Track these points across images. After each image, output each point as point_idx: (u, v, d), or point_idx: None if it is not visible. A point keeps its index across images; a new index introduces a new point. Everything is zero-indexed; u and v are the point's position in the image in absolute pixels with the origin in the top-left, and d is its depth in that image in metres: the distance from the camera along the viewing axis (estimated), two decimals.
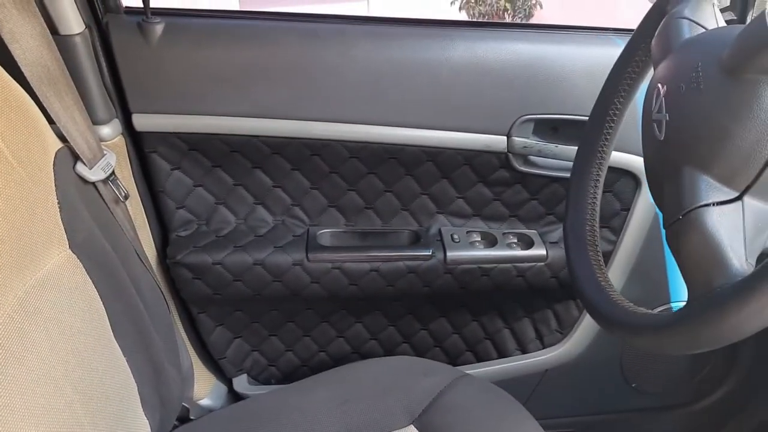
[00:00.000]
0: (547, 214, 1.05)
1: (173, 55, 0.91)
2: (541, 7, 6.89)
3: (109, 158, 0.83)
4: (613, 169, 0.98)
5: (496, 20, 6.85)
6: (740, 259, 0.47)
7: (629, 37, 0.72)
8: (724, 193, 0.49)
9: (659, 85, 0.59)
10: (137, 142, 0.96)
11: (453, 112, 0.95)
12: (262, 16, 0.97)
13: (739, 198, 0.49)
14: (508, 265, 1.03)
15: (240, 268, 0.99)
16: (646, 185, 0.94)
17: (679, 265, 0.52)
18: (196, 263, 0.98)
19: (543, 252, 1.02)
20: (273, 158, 0.98)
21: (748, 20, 0.92)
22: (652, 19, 0.68)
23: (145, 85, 0.91)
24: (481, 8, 6.96)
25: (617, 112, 0.74)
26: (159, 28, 0.89)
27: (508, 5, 6.85)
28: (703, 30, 0.60)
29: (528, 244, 1.04)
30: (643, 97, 0.63)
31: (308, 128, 0.94)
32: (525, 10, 6.89)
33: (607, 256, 1.05)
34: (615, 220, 1.03)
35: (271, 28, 0.95)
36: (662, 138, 0.57)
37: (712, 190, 0.50)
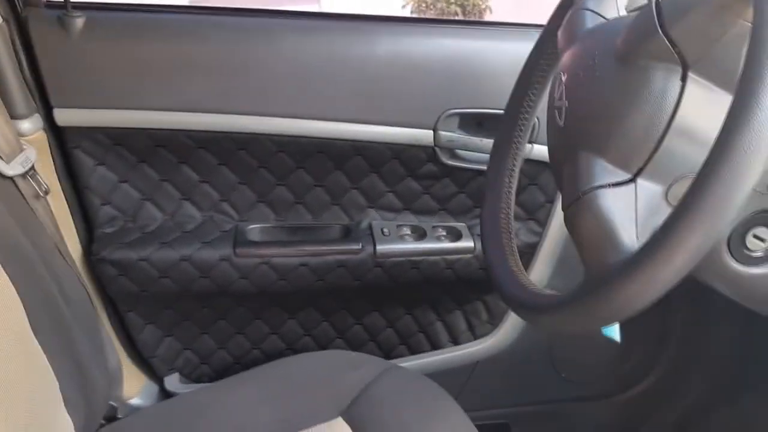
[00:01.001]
0: (475, 207, 1.07)
1: (95, 49, 0.90)
2: (491, 12, 6.98)
3: (28, 153, 0.82)
4: (536, 162, 1.00)
5: None
6: (631, 238, 0.49)
7: None
8: (618, 175, 0.51)
9: (561, 73, 0.62)
10: (59, 137, 0.94)
11: (380, 106, 0.96)
12: (188, 10, 0.97)
13: (632, 180, 0.51)
14: (438, 257, 1.04)
15: (166, 264, 0.98)
16: None
17: (576, 246, 0.54)
18: (121, 260, 0.97)
19: (471, 244, 1.04)
20: (199, 153, 0.97)
21: None
22: (560, 12, 0.70)
23: (66, 79, 0.90)
24: (431, 11, 7.02)
25: (530, 104, 0.76)
26: (80, 21, 0.88)
27: (458, 10, 6.93)
28: (604, 20, 0.62)
29: (456, 236, 1.05)
30: None
31: (235, 122, 0.94)
32: (475, 14, 6.98)
33: (534, 247, 1.08)
34: (540, 212, 1.06)
35: (197, 22, 0.94)
36: (562, 124, 0.60)
37: (606, 172, 0.52)
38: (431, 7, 6.99)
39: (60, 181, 0.95)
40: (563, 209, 0.56)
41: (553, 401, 1.28)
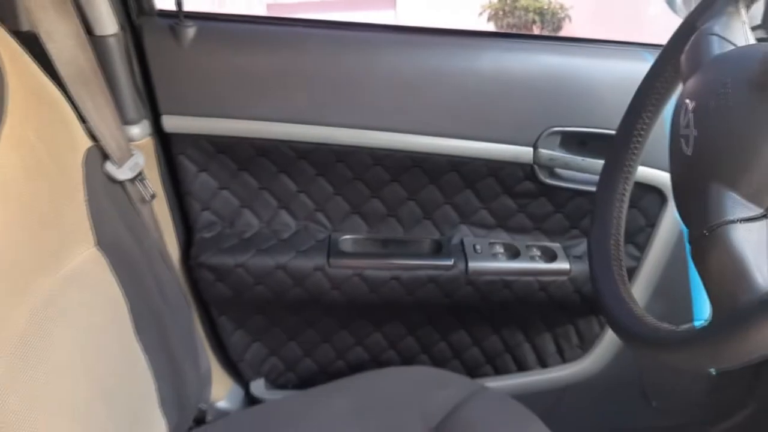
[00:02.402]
0: (572, 228, 1.04)
1: (204, 58, 0.92)
2: (570, 20, 6.86)
3: (137, 158, 0.85)
4: (638, 185, 0.97)
5: (524, 32, 6.84)
6: (764, 276, 0.46)
7: (658, 52, 0.71)
8: (751, 210, 0.49)
9: (687, 100, 0.59)
10: (166, 144, 0.97)
11: (479, 122, 0.95)
12: (292, 22, 0.98)
13: (765, 215, 0.49)
14: (531, 277, 1.02)
15: (262, 272, 0.99)
16: (672, 201, 0.93)
17: (703, 282, 0.52)
18: (218, 265, 0.99)
19: (566, 266, 1.01)
20: (298, 163, 0.98)
21: None
22: (682, 35, 0.68)
23: (175, 87, 0.92)
24: (509, 20, 6.95)
25: (645, 127, 0.73)
26: (191, 31, 0.90)
27: (536, 18, 6.84)
28: (733, 47, 0.59)
29: (551, 257, 1.03)
30: (671, 112, 0.62)
31: (334, 134, 0.95)
32: (554, 23, 6.87)
33: (631, 273, 1.04)
34: (640, 236, 1.02)
35: (301, 34, 0.96)
36: (690, 153, 0.57)
37: (738, 206, 0.49)
38: (508, 15, 6.92)
39: (163, 186, 0.98)
40: (690, 243, 0.53)
41: (642, 430, 1.23)
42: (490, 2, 7.01)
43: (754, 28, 0.93)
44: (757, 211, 0.49)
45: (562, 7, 6.86)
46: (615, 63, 0.96)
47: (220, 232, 1.02)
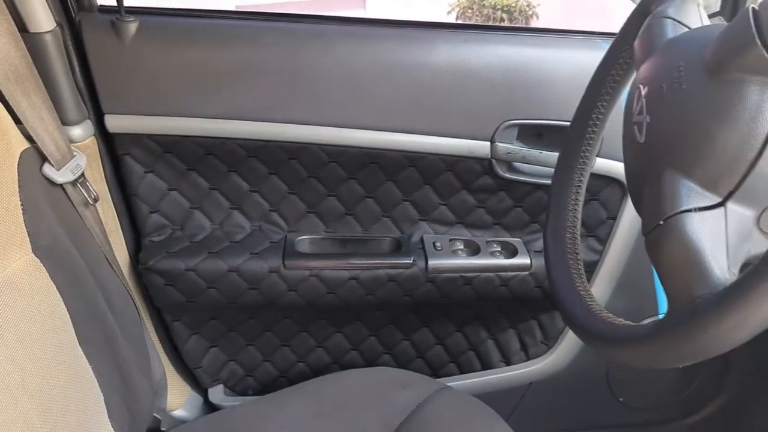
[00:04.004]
0: (532, 222, 1.03)
1: (148, 54, 0.88)
2: (537, 17, 6.91)
3: (78, 160, 0.81)
4: (599, 177, 0.96)
5: None
6: (722, 268, 0.45)
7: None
8: (707, 198, 0.47)
9: (640, 86, 0.57)
10: (110, 144, 0.93)
11: (435, 117, 0.93)
12: (240, 16, 0.95)
13: (721, 204, 0.47)
14: (492, 274, 1.00)
15: (214, 275, 0.96)
16: None
17: (658, 274, 0.50)
18: (168, 269, 0.95)
19: (527, 261, 1.00)
20: (249, 162, 0.95)
21: None
22: (635, 20, 0.66)
23: (118, 85, 0.89)
24: (477, 17, 6.98)
25: (600, 116, 0.72)
26: (133, 26, 0.87)
27: (504, 15, 6.87)
28: (687, 29, 0.58)
29: (512, 252, 1.01)
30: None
31: (286, 131, 0.92)
32: (521, 20, 6.92)
33: (593, 266, 1.03)
34: (601, 229, 1.01)
35: (249, 28, 0.92)
36: (642, 141, 0.55)
37: (693, 195, 0.48)
38: (477, 13, 6.94)
39: (109, 189, 0.94)
40: (644, 234, 0.51)
41: (609, 427, 1.22)
42: (458, 1, 7.02)
43: (711, 16, 0.93)
44: (714, 199, 0.47)
45: (529, 4, 6.90)
46: (571, 53, 0.95)
47: (170, 235, 0.99)
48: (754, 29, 0.45)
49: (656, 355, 0.48)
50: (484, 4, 6.93)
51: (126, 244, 0.98)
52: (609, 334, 0.55)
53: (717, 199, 0.47)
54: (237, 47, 0.90)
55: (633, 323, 0.53)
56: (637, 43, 0.62)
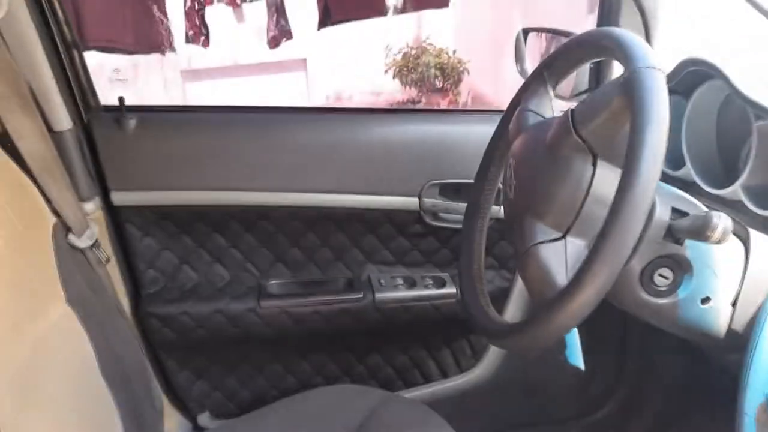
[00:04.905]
0: (455, 260, 1.28)
1: (145, 143, 1.12)
2: (468, 73, 7.30)
3: (93, 228, 1.03)
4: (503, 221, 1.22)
5: (428, 86, 7.22)
6: (562, 279, 0.67)
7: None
8: (553, 234, 0.70)
9: (511, 159, 0.82)
10: (115, 214, 1.15)
11: (373, 180, 1.18)
12: (217, 109, 1.21)
13: (563, 237, 0.70)
14: (426, 302, 1.25)
15: (202, 316, 1.18)
16: None
17: (525, 286, 0.73)
18: (164, 314, 1.17)
19: (453, 290, 1.25)
20: (228, 223, 1.19)
21: None
22: (510, 110, 0.92)
23: (121, 168, 1.12)
24: (413, 75, 7.29)
25: (492, 176, 0.96)
26: (132, 122, 1.10)
27: (438, 72, 7.25)
28: (541, 118, 0.83)
29: (441, 284, 1.26)
30: None
31: (257, 197, 1.16)
32: (454, 76, 7.29)
33: (506, 292, 1.29)
34: (510, 263, 1.27)
35: (224, 118, 1.18)
36: (512, 197, 0.80)
37: (543, 232, 0.71)
38: (412, 71, 7.29)
39: (115, 251, 1.16)
40: (515, 258, 0.75)
41: (530, 424, 1.46)
42: (394, 60, 7.35)
43: (581, 93, 1.20)
44: (557, 234, 0.70)
45: (460, 61, 7.29)
46: (476, 126, 1.21)
47: (164, 286, 1.21)
48: (570, 123, 0.70)
49: (526, 340, 0.69)
50: (418, 63, 7.27)
51: (128, 294, 1.19)
52: (497, 329, 0.77)
53: (559, 234, 0.70)
54: (216, 134, 1.14)
55: (512, 321, 0.76)
56: (510, 127, 0.88)
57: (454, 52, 7.27)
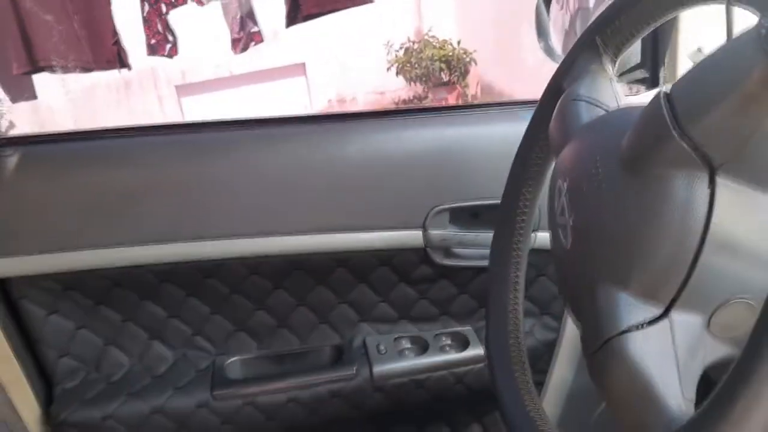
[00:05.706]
0: (480, 308, 0.95)
1: (32, 187, 0.81)
2: (476, 63, 7.00)
3: None
4: (543, 251, 0.89)
5: (433, 80, 6.96)
6: (676, 397, 0.38)
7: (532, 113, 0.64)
8: (647, 311, 0.40)
9: (560, 180, 0.51)
10: (4, 290, 0.84)
11: (358, 211, 0.86)
12: (130, 132, 0.88)
13: (664, 314, 0.40)
14: (444, 371, 0.92)
15: (135, 420, 0.85)
16: None
17: (607, 401, 0.42)
18: (83, 421, 0.85)
19: (481, 351, 0.92)
20: (163, 287, 0.87)
21: (661, 80, 0.85)
22: (548, 100, 0.60)
23: (4, 225, 0.80)
24: (417, 71, 7.03)
25: (527, 202, 0.65)
26: (12, 160, 0.79)
27: (443, 66, 6.95)
28: (602, 111, 0.52)
29: (463, 343, 0.93)
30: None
31: (198, 249, 0.84)
32: (460, 68, 7.00)
33: (551, 346, 0.95)
34: (554, 305, 0.94)
35: (144, 144, 0.85)
36: (569, 247, 0.48)
37: (633, 309, 0.41)
38: (416, 66, 7.02)
39: (8, 339, 0.84)
40: (586, 356, 0.44)
41: None
42: (396, 57, 7.10)
43: (632, 69, 0.89)
44: (655, 311, 0.40)
45: (466, 52, 7.00)
46: (494, 127, 0.90)
47: (84, 379, 0.89)
48: (668, 119, 0.38)
49: None
50: (421, 57, 7.00)
51: (36, 397, 0.87)
52: None
53: (659, 311, 0.40)
54: (133, 166, 0.82)
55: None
56: (551, 127, 0.56)
57: (459, 42, 6.96)
